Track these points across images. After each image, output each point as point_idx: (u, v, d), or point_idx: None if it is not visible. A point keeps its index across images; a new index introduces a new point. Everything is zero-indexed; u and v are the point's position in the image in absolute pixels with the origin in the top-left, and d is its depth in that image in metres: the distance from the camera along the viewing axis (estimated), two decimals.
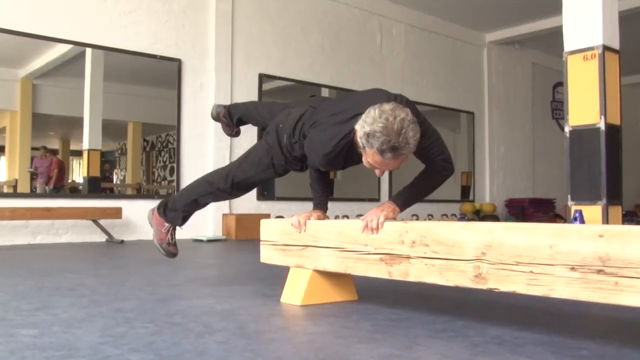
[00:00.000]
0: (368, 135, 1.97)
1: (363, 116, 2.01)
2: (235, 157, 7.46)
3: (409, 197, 2.24)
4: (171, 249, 2.80)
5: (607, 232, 1.49)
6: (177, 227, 2.80)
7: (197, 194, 2.68)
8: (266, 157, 2.46)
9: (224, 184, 2.59)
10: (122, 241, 6.24)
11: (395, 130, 1.94)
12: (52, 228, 6.15)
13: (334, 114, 2.24)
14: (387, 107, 1.99)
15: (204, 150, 7.28)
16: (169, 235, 2.76)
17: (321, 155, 2.22)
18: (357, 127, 2.03)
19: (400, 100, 2.13)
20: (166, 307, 2.35)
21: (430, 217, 9.64)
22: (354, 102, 2.23)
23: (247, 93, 7.69)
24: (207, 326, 1.99)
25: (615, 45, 4.79)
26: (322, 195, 2.54)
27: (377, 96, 2.15)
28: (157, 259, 4.54)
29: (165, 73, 7.06)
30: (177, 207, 2.72)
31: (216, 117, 3.04)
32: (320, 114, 2.32)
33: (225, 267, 4.32)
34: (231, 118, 2.98)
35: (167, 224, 2.75)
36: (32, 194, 6.39)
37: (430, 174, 2.26)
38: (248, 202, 7.45)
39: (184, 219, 2.75)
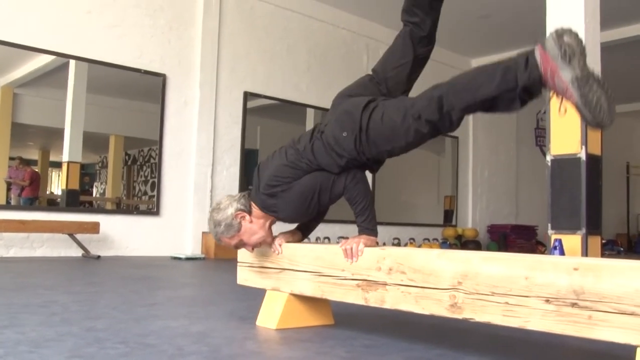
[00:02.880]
0: None
1: None
2: (217, 174, 7.45)
3: (372, 223, 2.21)
4: None
5: (581, 265, 1.49)
6: None
7: None
8: None
9: None
10: (99, 257, 6.14)
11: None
12: (27, 241, 6.04)
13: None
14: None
15: (186, 166, 7.24)
16: None
17: None
18: None
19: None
20: (140, 327, 2.30)
21: (412, 240, 9.64)
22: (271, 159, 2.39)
23: (232, 110, 7.69)
24: (180, 348, 1.95)
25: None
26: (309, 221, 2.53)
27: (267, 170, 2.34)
28: (134, 276, 4.48)
29: (149, 87, 7.04)
30: None
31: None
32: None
33: (202, 286, 4.27)
34: None
35: None
36: (7, 206, 6.28)
37: (351, 201, 2.23)
38: None
39: None
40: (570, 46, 1.75)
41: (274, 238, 2.43)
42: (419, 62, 2.36)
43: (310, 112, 8.67)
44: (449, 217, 10.81)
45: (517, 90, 1.81)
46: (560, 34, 1.77)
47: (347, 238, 2.20)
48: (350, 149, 2.15)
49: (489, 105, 1.90)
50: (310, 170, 2.22)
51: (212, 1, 7.48)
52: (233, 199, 2.34)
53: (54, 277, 4.31)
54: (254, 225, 2.32)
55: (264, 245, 2.42)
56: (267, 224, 2.36)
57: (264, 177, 2.29)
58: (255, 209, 2.32)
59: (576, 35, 1.78)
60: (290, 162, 2.24)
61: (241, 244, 2.37)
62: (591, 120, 1.79)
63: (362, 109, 2.14)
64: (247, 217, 2.31)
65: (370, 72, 2.39)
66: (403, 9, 2.31)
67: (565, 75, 1.76)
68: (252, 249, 2.41)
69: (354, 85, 2.37)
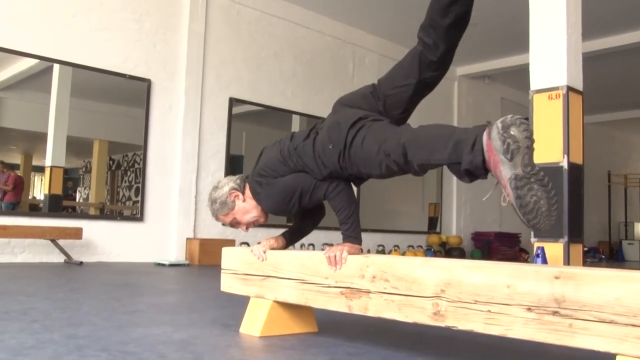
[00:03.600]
0: None
1: None
2: (201, 180, 7.42)
3: (356, 231, 2.21)
4: None
5: (562, 273, 1.51)
6: None
7: None
8: None
9: None
10: (81, 262, 6.07)
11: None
12: (8, 247, 5.96)
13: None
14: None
15: (171, 172, 7.20)
16: None
17: None
18: None
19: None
20: (121, 335, 2.28)
21: (397, 247, 9.65)
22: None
23: (217, 116, 7.67)
24: (162, 356, 1.93)
25: (579, 86, 4.92)
26: (295, 227, 2.54)
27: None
28: (117, 282, 4.44)
29: (134, 92, 7.00)
30: None
31: None
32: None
33: (185, 293, 4.24)
34: None
35: None
36: None
37: (335, 209, 2.23)
38: (212, 227, 7.36)
39: None
40: (516, 141, 1.62)
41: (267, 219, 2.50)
42: (423, 86, 2.16)
43: (295, 119, 8.68)
44: (433, 224, 10.85)
45: (462, 168, 1.75)
46: (507, 125, 1.63)
47: (331, 245, 2.20)
48: (334, 162, 2.15)
49: (446, 167, 1.85)
50: (297, 170, 2.27)
51: (199, 6, 7.48)
52: (231, 179, 2.48)
53: (35, 283, 4.26)
54: (247, 205, 2.43)
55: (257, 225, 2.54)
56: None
57: (260, 164, 2.39)
58: (248, 191, 2.44)
59: (526, 126, 1.65)
60: (282, 157, 2.29)
61: (235, 222, 2.48)
62: (525, 223, 1.69)
63: (350, 125, 2.09)
64: (241, 196, 2.43)
65: (375, 82, 2.28)
66: (421, 25, 2.10)
67: (505, 171, 1.66)
68: (247, 228, 2.51)
69: (354, 94, 2.30)
